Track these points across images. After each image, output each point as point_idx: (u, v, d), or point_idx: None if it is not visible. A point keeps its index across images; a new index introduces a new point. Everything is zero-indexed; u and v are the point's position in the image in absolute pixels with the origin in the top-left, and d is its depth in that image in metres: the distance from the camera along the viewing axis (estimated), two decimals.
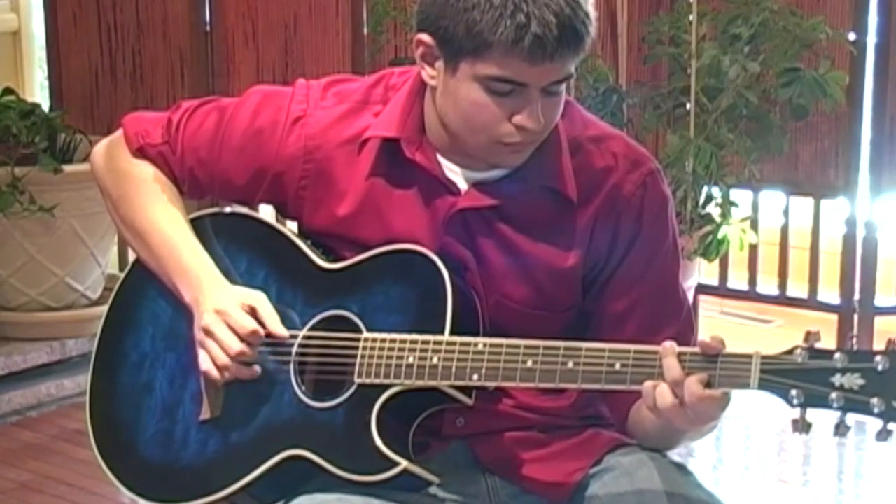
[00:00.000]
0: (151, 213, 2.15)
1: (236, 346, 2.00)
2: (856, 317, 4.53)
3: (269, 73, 4.73)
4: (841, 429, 1.76)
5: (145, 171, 2.18)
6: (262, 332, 2.01)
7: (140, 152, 2.18)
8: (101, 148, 2.25)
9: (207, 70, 4.78)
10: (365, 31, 4.64)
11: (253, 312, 2.02)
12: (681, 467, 2.07)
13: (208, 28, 4.77)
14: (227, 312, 2.01)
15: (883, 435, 1.72)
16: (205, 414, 2.08)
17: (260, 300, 2.04)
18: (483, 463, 2.07)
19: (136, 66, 4.91)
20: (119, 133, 2.22)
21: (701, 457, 4.03)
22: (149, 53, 4.88)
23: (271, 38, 4.70)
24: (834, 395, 1.73)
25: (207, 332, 2.02)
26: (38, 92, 5.43)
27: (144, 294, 2.19)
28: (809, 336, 1.77)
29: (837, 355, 1.74)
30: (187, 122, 2.17)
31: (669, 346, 1.83)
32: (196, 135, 2.16)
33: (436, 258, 1.97)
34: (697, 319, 4.63)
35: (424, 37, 1.95)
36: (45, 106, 4.81)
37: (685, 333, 2.02)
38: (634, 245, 2.03)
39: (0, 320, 4.52)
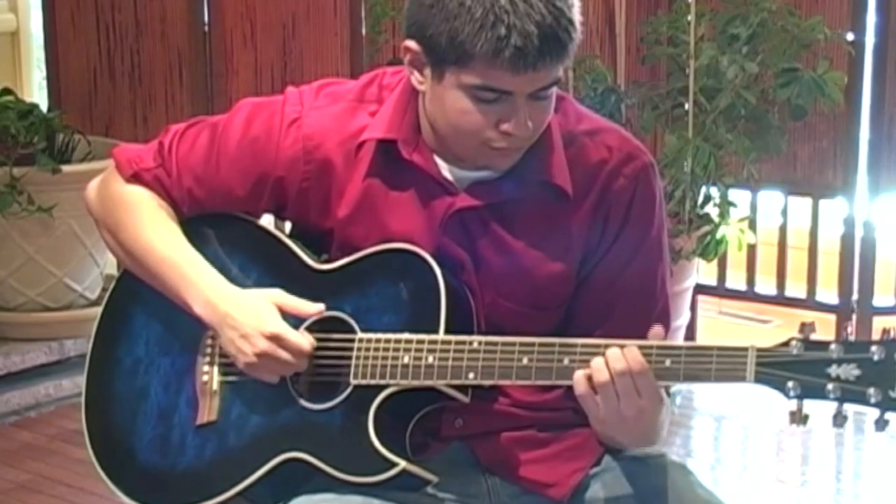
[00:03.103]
0: (150, 234, 2.11)
1: (295, 365, 2.01)
2: (854, 317, 4.54)
3: (268, 73, 4.72)
4: (839, 419, 1.76)
5: (138, 195, 2.14)
6: (311, 345, 2.01)
7: (134, 178, 2.15)
8: (93, 184, 2.22)
9: (206, 70, 4.77)
10: (363, 31, 4.65)
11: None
12: (681, 467, 2.08)
13: (207, 28, 4.76)
14: (282, 337, 1.99)
15: (880, 424, 1.73)
16: (201, 418, 2.08)
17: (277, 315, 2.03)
18: (483, 463, 2.07)
19: (134, 65, 4.91)
20: (111, 167, 2.19)
21: (700, 457, 4.03)
22: (147, 53, 4.87)
23: (270, 38, 4.70)
24: (830, 385, 1.74)
25: (263, 356, 1.99)
26: (36, 92, 5.43)
27: (136, 299, 2.17)
28: (804, 327, 1.77)
29: (833, 346, 1.75)
30: (179, 143, 2.14)
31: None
32: (190, 154, 2.13)
33: (428, 257, 1.98)
34: (696, 319, 4.66)
35: (411, 44, 1.95)
36: (44, 106, 4.80)
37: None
38: (618, 239, 2.04)
39: None
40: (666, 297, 2.10)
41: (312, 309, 2.02)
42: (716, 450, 4.16)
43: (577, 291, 2.05)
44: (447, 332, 1.94)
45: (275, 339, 1.99)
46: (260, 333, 1.99)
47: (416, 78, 1.98)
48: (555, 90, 1.96)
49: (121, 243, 2.15)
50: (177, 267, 2.07)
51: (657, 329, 1.88)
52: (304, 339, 2.00)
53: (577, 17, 1.90)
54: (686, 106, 4.24)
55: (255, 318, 2.00)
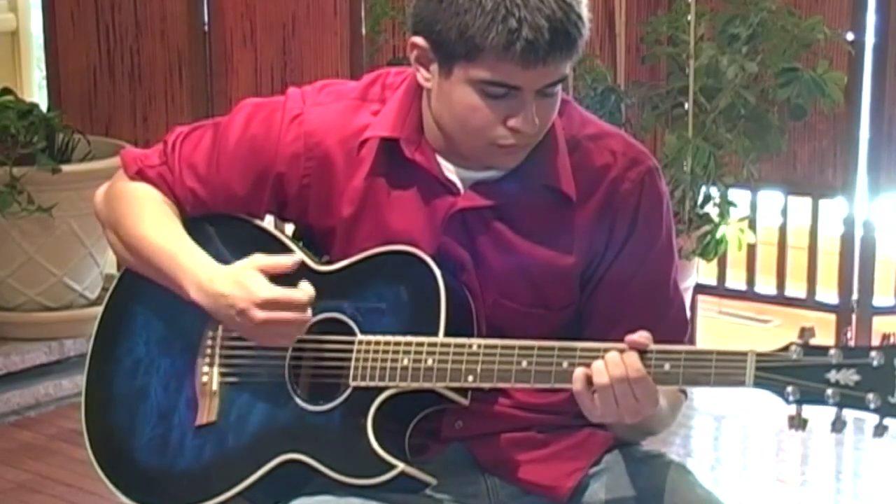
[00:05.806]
0: (147, 226, 2.11)
1: (301, 319, 1.99)
2: (854, 317, 4.53)
3: (268, 73, 4.72)
4: (837, 425, 1.76)
5: (142, 191, 2.15)
6: (311, 291, 1.98)
7: (139, 175, 2.15)
8: (101, 188, 2.23)
9: (206, 70, 4.77)
10: (363, 31, 4.65)
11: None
12: (680, 467, 2.08)
13: (206, 28, 4.76)
14: (277, 300, 1.97)
15: (879, 430, 1.73)
16: (201, 419, 2.08)
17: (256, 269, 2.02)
18: (482, 464, 2.08)
19: (134, 65, 4.90)
20: (119, 170, 2.20)
21: (700, 457, 4.03)
22: (147, 53, 4.87)
23: (269, 38, 4.70)
24: (829, 391, 1.74)
25: (265, 324, 1.97)
26: (36, 92, 5.41)
27: (137, 299, 2.18)
28: (804, 332, 1.77)
29: (832, 351, 1.74)
30: (183, 143, 2.15)
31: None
32: (193, 153, 2.14)
33: (428, 259, 1.98)
34: (696, 319, 4.66)
35: (419, 40, 1.96)
36: (44, 106, 4.80)
37: (675, 333, 2.03)
38: (628, 243, 2.04)
39: None
40: (681, 300, 2.11)
41: (289, 260, 2.01)
42: (716, 450, 4.16)
43: (589, 296, 2.06)
44: (447, 334, 1.94)
45: (270, 304, 1.97)
46: (254, 304, 1.97)
47: (422, 75, 1.98)
48: (560, 89, 1.96)
49: (121, 239, 2.15)
50: (172, 256, 2.06)
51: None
52: (299, 292, 1.98)
53: (585, 12, 1.91)
54: (686, 106, 4.24)
55: (244, 290, 1.98)
